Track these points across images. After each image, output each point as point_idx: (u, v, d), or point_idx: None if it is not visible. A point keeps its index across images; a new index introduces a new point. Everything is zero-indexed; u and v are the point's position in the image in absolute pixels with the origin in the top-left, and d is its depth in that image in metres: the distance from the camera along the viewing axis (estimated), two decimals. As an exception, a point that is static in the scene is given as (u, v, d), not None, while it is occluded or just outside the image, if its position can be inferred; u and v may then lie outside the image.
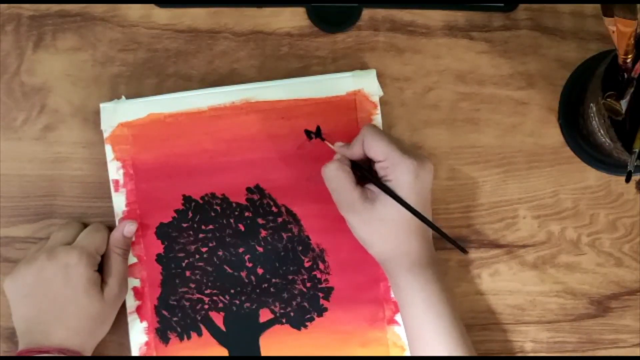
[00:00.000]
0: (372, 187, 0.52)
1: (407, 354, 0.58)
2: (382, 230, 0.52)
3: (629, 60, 0.48)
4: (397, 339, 0.58)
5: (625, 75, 0.49)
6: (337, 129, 0.58)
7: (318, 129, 0.57)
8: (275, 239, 0.58)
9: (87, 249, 0.54)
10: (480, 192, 0.60)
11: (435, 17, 0.60)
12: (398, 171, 0.50)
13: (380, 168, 0.51)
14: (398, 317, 0.58)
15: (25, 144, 0.60)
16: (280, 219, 0.58)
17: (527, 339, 0.60)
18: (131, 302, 0.58)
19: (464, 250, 0.52)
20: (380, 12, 0.60)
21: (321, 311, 0.58)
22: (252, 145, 0.58)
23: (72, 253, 0.53)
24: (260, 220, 0.58)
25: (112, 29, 0.60)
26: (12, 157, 0.60)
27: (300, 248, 0.58)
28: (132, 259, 0.58)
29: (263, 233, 0.58)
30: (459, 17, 0.60)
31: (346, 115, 0.58)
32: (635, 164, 0.49)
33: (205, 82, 0.60)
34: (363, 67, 0.60)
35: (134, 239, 0.58)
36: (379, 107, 0.58)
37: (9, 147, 0.60)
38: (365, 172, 0.52)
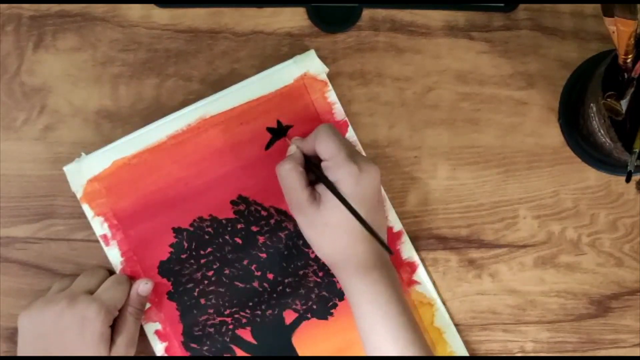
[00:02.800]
0: (319, 190, 0.52)
1: (437, 308, 0.58)
2: (327, 233, 0.52)
3: (629, 61, 0.48)
4: (422, 297, 0.58)
5: (626, 76, 0.50)
6: (297, 117, 0.58)
7: (279, 123, 0.57)
8: (274, 241, 0.58)
9: (106, 303, 0.53)
10: (480, 192, 0.60)
11: (435, 17, 0.60)
12: (339, 173, 0.51)
13: (324, 167, 0.52)
14: (416, 276, 0.58)
15: (26, 144, 0.60)
16: (272, 221, 0.58)
17: (527, 339, 0.60)
18: (158, 346, 0.58)
19: (389, 251, 0.51)
20: (381, 12, 0.60)
21: (341, 294, 0.58)
22: (221, 159, 0.58)
23: (92, 307, 0.52)
24: (254, 228, 0.58)
25: (112, 29, 0.60)
26: (12, 157, 0.60)
27: (300, 242, 0.58)
28: (146, 305, 0.58)
29: (261, 239, 0.58)
30: (459, 17, 0.60)
31: (301, 101, 0.58)
32: (636, 164, 0.49)
33: (205, 82, 0.60)
34: (363, 67, 0.60)
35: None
36: (329, 84, 0.58)
37: (9, 147, 0.60)
38: (313, 168, 0.53)
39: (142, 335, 0.58)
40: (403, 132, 0.60)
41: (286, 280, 0.58)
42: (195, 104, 0.58)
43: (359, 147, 0.59)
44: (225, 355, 0.58)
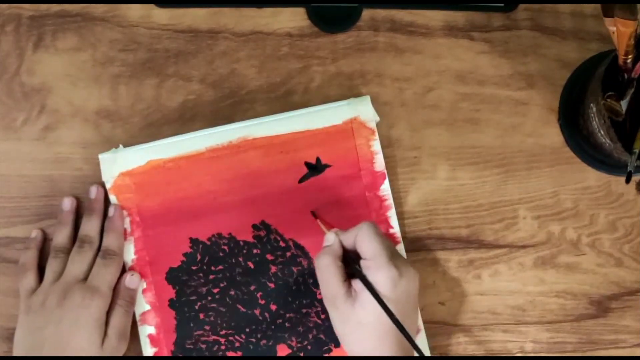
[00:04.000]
0: (355, 286, 0.51)
1: None
2: (358, 332, 0.51)
3: (629, 61, 0.48)
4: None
5: (626, 76, 0.49)
6: (337, 158, 0.58)
7: (318, 160, 0.58)
8: (285, 273, 0.58)
9: (100, 289, 0.55)
10: (480, 192, 0.60)
11: (435, 17, 0.60)
12: (378, 275, 0.50)
13: (364, 266, 0.51)
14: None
15: (25, 144, 0.60)
16: (288, 253, 0.58)
17: (527, 339, 0.60)
18: (148, 350, 0.58)
19: (423, 356, 0.49)
20: (381, 13, 0.60)
21: (338, 342, 0.57)
22: (253, 182, 0.58)
23: (87, 294, 0.54)
24: (269, 256, 0.58)
25: (112, 29, 0.60)
26: (12, 158, 0.60)
27: (311, 280, 0.58)
28: (145, 307, 0.58)
29: (273, 269, 0.58)
30: (459, 17, 0.60)
31: (344, 144, 0.58)
32: (636, 164, 0.49)
33: (205, 82, 0.60)
34: (363, 67, 0.60)
35: (144, 285, 0.58)
36: (376, 133, 0.58)
37: (9, 147, 0.60)
38: (352, 265, 0.51)
39: (135, 337, 0.58)
40: (403, 132, 0.60)
41: (287, 315, 0.58)
42: (240, 123, 0.58)
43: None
44: None
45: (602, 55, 0.58)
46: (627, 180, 0.49)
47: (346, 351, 0.53)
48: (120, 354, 0.56)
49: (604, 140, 0.53)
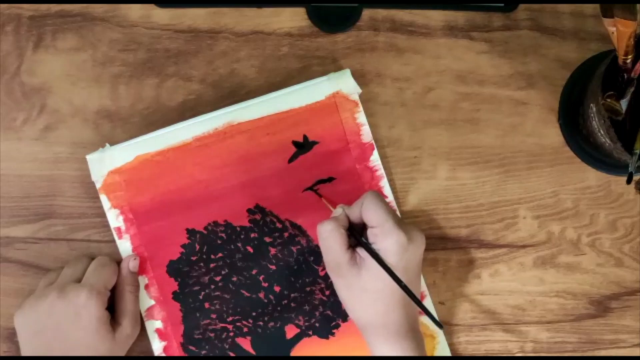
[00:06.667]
0: (361, 253, 0.51)
1: (439, 341, 0.58)
2: (364, 297, 0.51)
3: (628, 61, 0.48)
4: (425, 328, 0.58)
5: (625, 76, 0.49)
6: (324, 133, 0.58)
7: (305, 138, 0.58)
8: (285, 254, 0.58)
9: (96, 286, 0.54)
10: (480, 192, 0.60)
11: (435, 17, 0.60)
12: (387, 241, 0.50)
13: (371, 234, 0.51)
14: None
15: (25, 144, 0.60)
16: (286, 234, 0.58)
17: (527, 339, 0.60)
18: (157, 345, 0.58)
19: (440, 326, 0.51)
20: (381, 12, 0.60)
21: (345, 316, 0.58)
22: (243, 167, 0.58)
23: (82, 293, 0.53)
24: (267, 239, 0.58)
25: (112, 29, 0.60)
26: (12, 157, 0.60)
27: (311, 258, 0.58)
28: (150, 302, 0.58)
29: (272, 251, 0.58)
30: (459, 17, 0.60)
31: (329, 119, 0.58)
32: (637, 164, 0.49)
33: (205, 82, 0.60)
34: (363, 67, 0.60)
35: (146, 281, 0.58)
36: (360, 105, 0.58)
37: (9, 147, 0.60)
38: (357, 237, 0.52)
39: (142, 332, 0.58)
40: (403, 132, 0.60)
41: (292, 295, 0.58)
42: (225, 109, 0.58)
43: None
44: None
45: (602, 55, 0.58)
46: (628, 182, 0.49)
47: (351, 317, 0.54)
48: (134, 338, 0.56)
49: (603, 140, 0.53)
